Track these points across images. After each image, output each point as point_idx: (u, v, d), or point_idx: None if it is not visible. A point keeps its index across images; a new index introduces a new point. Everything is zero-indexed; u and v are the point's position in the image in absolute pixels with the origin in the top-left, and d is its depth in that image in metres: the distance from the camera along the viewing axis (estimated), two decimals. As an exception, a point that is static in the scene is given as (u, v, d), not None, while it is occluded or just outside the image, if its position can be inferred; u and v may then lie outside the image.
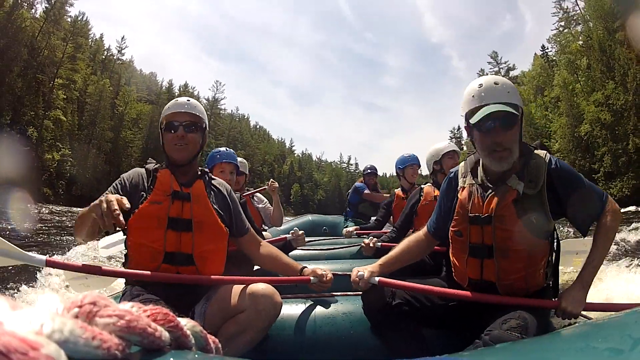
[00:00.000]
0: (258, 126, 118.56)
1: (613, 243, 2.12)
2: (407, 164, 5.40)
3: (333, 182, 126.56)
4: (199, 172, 2.47)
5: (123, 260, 2.36)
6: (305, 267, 2.49)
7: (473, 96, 2.01)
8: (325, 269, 2.48)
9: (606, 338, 1.01)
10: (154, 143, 60.13)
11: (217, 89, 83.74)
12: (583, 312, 1.99)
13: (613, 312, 1.95)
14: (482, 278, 2.09)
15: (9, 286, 4.75)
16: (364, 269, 2.24)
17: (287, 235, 3.54)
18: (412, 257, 2.42)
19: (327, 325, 2.27)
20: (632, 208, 23.34)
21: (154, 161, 2.46)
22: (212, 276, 2.24)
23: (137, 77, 67.71)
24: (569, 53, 45.02)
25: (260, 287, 2.11)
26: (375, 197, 7.32)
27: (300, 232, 3.61)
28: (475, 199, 2.11)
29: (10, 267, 4.53)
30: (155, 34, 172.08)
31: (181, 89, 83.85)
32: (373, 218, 6.52)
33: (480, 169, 2.16)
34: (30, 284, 4.81)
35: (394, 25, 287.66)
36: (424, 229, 2.46)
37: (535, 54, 59.60)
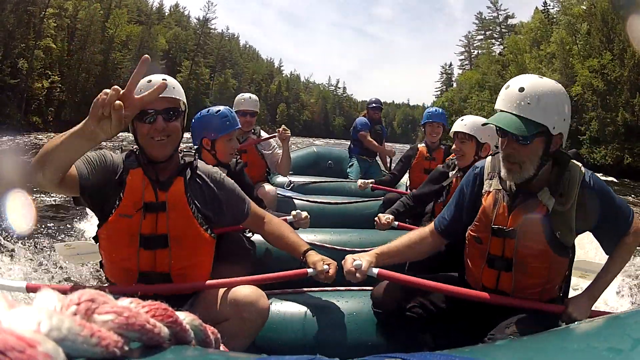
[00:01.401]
0: (247, 45, 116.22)
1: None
2: (427, 121, 4.96)
3: (320, 103, 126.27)
4: (181, 165, 2.06)
5: (99, 264, 2.16)
6: (311, 249, 2.26)
7: (500, 94, 1.87)
8: (330, 260, 2.17)
9: (606, 338, 1.02)
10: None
11: (208, 9, 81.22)
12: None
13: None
14: (497, 288, 2.02)
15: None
16: (359, 257, 2.05)
17: (289, 217, 3.07)
18: (414, 254, 2.26)
19: (333, 321, 2.23)
20: (612, 179, 23.95)
21: (134, 149, 2.05)
22: (196, 283, 2.04)
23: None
24: (570, 15, 44.09)
25: (244, 292, 1.95)
26: (370, 144, 6.73)
27: (304, 214, 3.20)
28: (501, 208, 1.98)
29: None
30: None
31: (172, 9, 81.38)
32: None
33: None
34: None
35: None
36: (431, 226, 2.29)
37: (536, 7, 58.31)
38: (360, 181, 4.96)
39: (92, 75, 50.15)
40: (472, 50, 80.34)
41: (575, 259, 2.11)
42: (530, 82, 1.81)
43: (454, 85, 80.00)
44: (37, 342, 0.40)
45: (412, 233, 2.33)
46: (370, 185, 4.83)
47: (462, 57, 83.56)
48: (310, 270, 2.14)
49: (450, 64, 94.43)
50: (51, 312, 0.45)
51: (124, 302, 0.59)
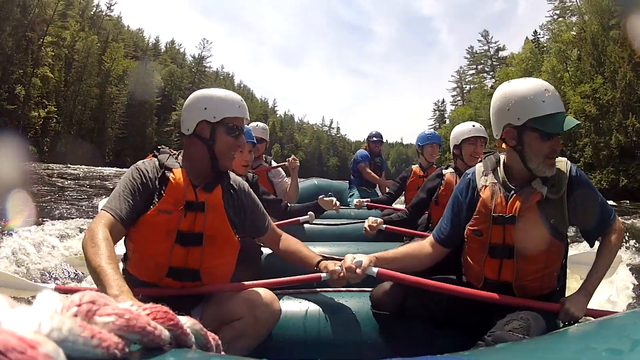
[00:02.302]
0: (242, 85, 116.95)
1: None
2: (427, 142, 5.18)
3: (314, 144, 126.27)
4: (219, 174, 2.19)
5: (122, 258, 2.14)
6: (324, 258, 2.32)
7: (543, 101, 1.93)
8: (340, 263, 2.21)
9: (606, 338, 1.02)
10: (138, 99, 59.35)
11: (203, 47, 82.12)
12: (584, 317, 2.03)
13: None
14: (499, 279, 2.08)
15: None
16: (360, 256, 2.09)
17: (318, 199, 3.50)
18: (413, 262, 2.27)
19: (332, 322, 2.22)
20: (610, 202, 24.12)
21: (168, 151, 2.20)
22: (214, 286, 2.12)
23: (125, 34, 66.14)
24: (560, 42, 44.92)
25: (258, 293, 2.04)
26: (369, 175, 7.00)
27: (333, 198, 3.70)
28: (499, 198, 2.08)
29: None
30: None
31: (168, 46, 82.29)
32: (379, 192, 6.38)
33: (500, 169, 2.16)
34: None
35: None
36: (430, 239, 2.33)
37: (526, 37, 59.56)
38: (356, 200, 5.25)
39: (88, 108, 50.51)
40: (464, 86, 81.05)
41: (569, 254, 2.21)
42: (549, 85, 2.02)
43: (447, 122, 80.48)
44: (38, 343, 0.40)
45: (411, 244, 2.44)
46: (366, 203, 5.10)
47: (455, 92, 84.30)
48: (323, 274, 2.19)
49: (443, 101, 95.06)
50: (52, 313, 0.45)
51: (125, 304, 0.58)
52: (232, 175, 2.29)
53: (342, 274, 2.12)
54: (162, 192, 2.01)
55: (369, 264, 2.05)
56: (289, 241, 2.46)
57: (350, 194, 7.08)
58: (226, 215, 2.12)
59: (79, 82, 50.09)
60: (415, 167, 5.26)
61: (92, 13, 58.98)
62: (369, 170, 6.96)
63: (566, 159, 2.10)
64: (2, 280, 2.57)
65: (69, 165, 30.37)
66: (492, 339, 1.70)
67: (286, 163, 4.54)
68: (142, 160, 2.12)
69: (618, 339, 1.02)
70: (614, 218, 2.12)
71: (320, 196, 3.67)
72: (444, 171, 3.86)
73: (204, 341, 0.77)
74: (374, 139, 7.28)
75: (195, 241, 2.02)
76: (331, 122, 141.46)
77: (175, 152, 2.22)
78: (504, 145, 2.11)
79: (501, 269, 2.07)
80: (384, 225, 3.54)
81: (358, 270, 2.02)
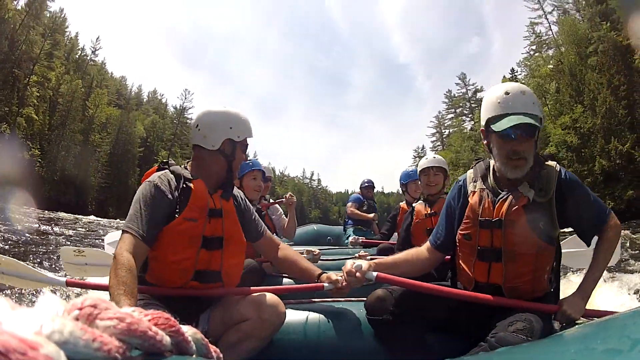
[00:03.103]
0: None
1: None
2: (410, 180, 5.50)
3: (297, 197, 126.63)
4: (225, 183, 2.41)
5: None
6: (324, 272, 2.42)
7: (499, 102, 2.03)
8: (342, 273, 2.36)
9: (606, 340, 1.02)
10: (121, 149, 59.01)
11: (185, 98, 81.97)
12: (582, 318, 2.05)
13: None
14: (489, 281, 2.12)
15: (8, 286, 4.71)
16: (360, 261, 2.19)
17: (304, 255, 3.56)
18: (411, 268, 2.35)
19: (332, 331, 2.27)
20: None
21: (174, 163, 2.37)
22: (223, 289, 2.25)
23: (109, 80, 66.22)
24: (538, 77, 45.91)
25: (264, 296, 2.16)
26: (355, 214, 7.67)
27: (317, 250, 3.93)
28: (486, 203, 2.14)
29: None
30: (126, 37, 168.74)
31: (150, 95, 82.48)
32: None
33: (490, 175, 2.22)
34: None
35: (362, 41, 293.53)
36: (427, 245, 2.43)
37: (504, 76, 60.87)
38: (352, 238, 5.80)
39: (72, 154, 49.67)
40: (443, 130, 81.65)
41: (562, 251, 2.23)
42: (522, 87, 2.08)
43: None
44: (39, 345, 0.40)
45: (409, 250, 2.45)
46: (361, 240, 5.61)
47: (434, 138, 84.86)
48: (326, 285, 2.31)
49: (423, 147, 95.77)
50: (53, 315, 0.46)
51: (127, 309, 0.59)
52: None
53: (344, 283, 2.25)
54: (185, 201, 2.16)
55: (368, 268, 2.13)
56: (287, 251, 2.60)
57: (347, 235, 7.57)
58: (237, 218, 2.36)
59: (62, 127, 49.57)
60: (402, 204, 5.62)
61: (77, 56, 58.98)
62: (353, 209, 7.71)
63: (556, 162, 2.17)
64: (16, 271, 2.63)
65: (53, 212, 29.34)
66: (495, 340, 1.69)
67: (283, 199, 4.88)
68: (154, 175, 2.23)
69: (618, 339, 1.02)
70: (608, 215, 2.15)
71: (309, 249, 3.95)
72: (414, 204, 4.33)
73: (205, 350, 0.77)
74: (366, 184, 8.22)
75: (217, 244, 2.21)
76: (312, 174, 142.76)
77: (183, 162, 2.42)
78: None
79: (490, 272, 2.12)
80: (374, 273, 3.56)
81: (358, 274, 2.11)
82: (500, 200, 2.09)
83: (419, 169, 4.35)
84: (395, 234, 5.57)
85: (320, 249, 4.60)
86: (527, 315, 1.82)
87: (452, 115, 79.25)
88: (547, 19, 51.30)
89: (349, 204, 7.89)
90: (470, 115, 73.11)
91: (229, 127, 2.30)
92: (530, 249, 2.03)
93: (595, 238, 2.17)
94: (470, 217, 2.18)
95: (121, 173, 58.82)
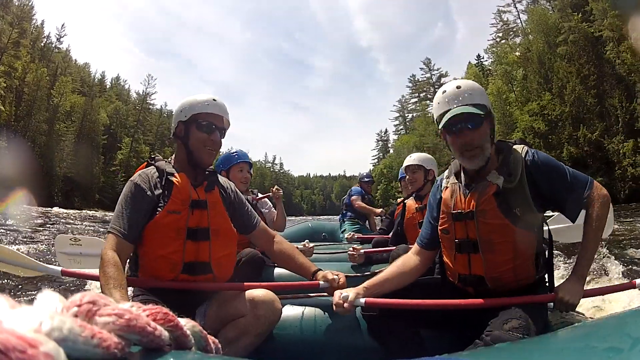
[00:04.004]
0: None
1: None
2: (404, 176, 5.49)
3: (258, 181, 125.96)
4: (210, 173, 2.41)
5: (128, 265, 2.26)
6: (320, 269, 2.41)
7: (439, 102, 2.11)
8: (338, 272, 2.36)
9: (605, 338, 1.03)
10: (85, 137, 57.37)
11: (148, 83, 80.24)
12: (578, 309, 2.05)
13: (612, 312, 2.10)
14: (470, 273, 2.11)
15: (9, 286, 4.77)
16: (347, 291, 2.09)
17: (298, 246, 3.61)
18: (403, 277, 2.27)
19: (328, 326, 2.29)
20: None
21: (161, 158, 2.39)
22: (217, 284, 2.25)
23: (73, 67, 64.19)
24: (505, 64, 46.21)
25: (260, 293, 2.16)
26: (361, 207, 7.67)
27: (311, 244, 4.11)
28: (458, 196, 2.16)
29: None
30: (89, 23, 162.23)
31: (113, 82, 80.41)
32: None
33: (462, 170, 2.23)
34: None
35: (325, 27, 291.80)
36: (415, 247, 2.40)
37: (469, 62, 61.68)
38: (348, 234, 5.71)
39: (37, 145, 47.96)
40: (406, 114, 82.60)
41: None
42: (458, 82, 2.12)
43: (391, 151, 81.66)
44: (39, 342, 0.40)
45: (396, 261, 2.39)
46: (357, 237, 5.55)
47: (397, 122, 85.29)
48: (322, 283, 2.29)
49: (386, 131, 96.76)
50: (52, 313, 0.46)
51: (125, 305, 0.59)
52: (221, 178, 2.50)
53: (340, 282, 2.25)
54: (169, 195, 2.18)
55: (355, 297, 2.04)
56: (284, 245, 2.57)
57: (342, 229, 7.50)
58: (225, 209, 2.35)
59: (28, 117, 47.81)
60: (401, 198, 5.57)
61: (42, 44, 56.92)
62: (360, 203, 7.57)
63: (523, 145, 2.17)
64: (11, 259, 2.64)
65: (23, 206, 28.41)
66: (490, 338, 1.68)
67: (270, 194, 4.86)
68: (137, 173, 2.25)
69: (618, 338, 1.03)
70: (590, 186, 2.06)
71: (304, 242, 4.15)
72: (406, 201, 4.36)
73: (204, 343, 0.77)
74: (366, 179, 8.16)
75: (203, 236, 2.20)
76: (274, 159, 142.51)
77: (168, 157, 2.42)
78: None
79: (470, 264, 2.10)
80: (362, 251, 3.96)
81: (346, 305, 2.02)
82: (471, 191, 2.10)
83: (403, 166, 4.43)
84: None
85: (315, 245, 4.70)
86: (521, 312, 1.79)
87: (415, 99, 79.99)
88: (517, 8, 52.35)
89: (354, 197, 7.72)
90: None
91: (179, 110, 2.30)
92: (507, 237, 1.99)
93: (583, 212, 2.09)
94: (445, 212, 2.21)
95: (85, 162, 57.38)
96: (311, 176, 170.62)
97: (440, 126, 2.09)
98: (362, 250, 3.93)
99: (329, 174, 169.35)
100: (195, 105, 2.28)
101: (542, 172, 2.01)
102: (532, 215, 2.00)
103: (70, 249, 3.57)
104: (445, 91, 2.09)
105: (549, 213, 2.23)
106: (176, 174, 2.24)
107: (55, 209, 29.68)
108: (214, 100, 2.31)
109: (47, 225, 15.61)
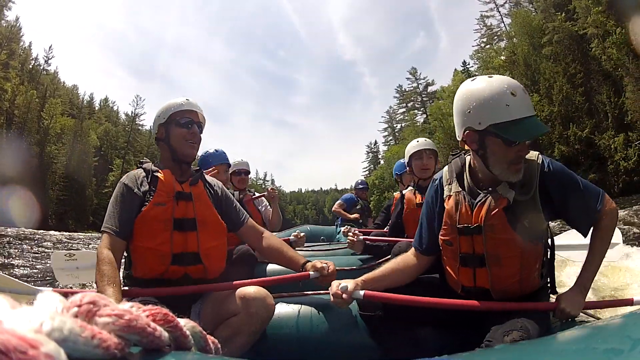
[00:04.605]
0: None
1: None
2: (404, 171, 5.54)
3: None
4: (196, 171, 2.56)
5: (124, 266, 2.36)
6: (309, 260, 2.43)
7: (507, 105, 1.78)
8: (326, 261, 2.38)
9: (606, 340, 1.02)
10: (77, 160, 57.15)
11: (137, 104, 79.64)
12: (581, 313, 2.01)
13: (612, 309, 2.10)
14: (475, 285, 2.03)
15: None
16: (346, 281, 2.03)
17: (290, 237, 4.01)
18: (400, 277, 2.20)
19: (324, 325, 2.26)
20: None
21: (149, 160, 2.53)
22: (208, 285, 2.29)
23: (61, 89, 63.94)
24: (492, 68, 46.05)
25: (252, 290, 2.16)
26: (335, 211, 8.24)
27: (302, 234, 4.30)
28: (463, 208, 2.01)
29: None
30: (75, 44, 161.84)
31: (102, 103, 79.97)
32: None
33: (466, 173, 2.09)
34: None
35: (307, 43, 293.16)
36: (413, 250, 2.32)
37: (455, 69, 61.63)
38: (344, 227, 5.75)
39: (29, 167, 47.67)
40: (394, 125, 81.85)
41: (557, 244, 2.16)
42: (518, 84, 1.85)
43: (382, 162, 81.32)
44: (40, 343, 0.40)
45: (396, 258, 2.34)
46: (354, 230, 5.50)
47: (386, 133, 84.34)
48: (312, 273, 2.33)
49: (376, 142, 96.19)
50: (53, 313, 0.46)
51: (125, 305, 0.59)
52: (208, 177, 2.66)
53: (330, 269, 2.30)
54: (154, 189, 2.31)
55: (354, 287, 1.99)
56: (272, 240, 2.64)
57: (338, 231, 7.95)
58: (210, 201, 2.47)
59: (20, 139, 47.50)
60: (396, 194, 5.50)
61: (30, 66, 56.80)
62: (336, 207, 8.20)
63: (538, 152, 2.00)
64: (5, 286, 2.64)
65: (17, 228, 28.10)
66: None
67: (266, 193, 5.06)
68: (126, 174, 2.42)
69: (619, 340, 1.02)
70: (601, 201, 1.98)
71: (294, 232, 4.32)
72: (404, 192, 4.27)
73: (203, 343, 0.78)
74: (360, 186, 8.63)
75: (190, 226, 2.30)
76: (265, 175, 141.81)
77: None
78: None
79: (476, 277, 2.02)
80: (362, 237, 3.98)
81: (344, 296, 1.97)
82: (479, 204, 1.96)
83: (409, 153, 4.17)
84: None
85: (314, 245, 4.86)
86: (523, 322, 1.72)
87: (403, 109, 79.56)
88: (500, 12, 52.73)
89: (338, 202, 8.30)
90: (422, 109, 73.71)
91: (158, 116, 2.49)
92: (515, 250, 1.91)
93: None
94: (448, 224, 2.07)
95: (78, 185, 57.04)
96: (303, 191, 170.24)
97: (513, 138, 1.80)
98: (361, 237, 3.95)
99: (321, 188, 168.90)
100: (171, 107, 2.46)
101: (556, 184, 1.91)
102: (541, 225, 1.94)
103: (66, 265, 3.59)
104: (514, 94, 1.78)
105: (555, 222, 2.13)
106: (161, 171, 2.39)
107: (51, 232, 29.33)
108: (187, 99, 2.51)
109: (43, 246, 15.48)
